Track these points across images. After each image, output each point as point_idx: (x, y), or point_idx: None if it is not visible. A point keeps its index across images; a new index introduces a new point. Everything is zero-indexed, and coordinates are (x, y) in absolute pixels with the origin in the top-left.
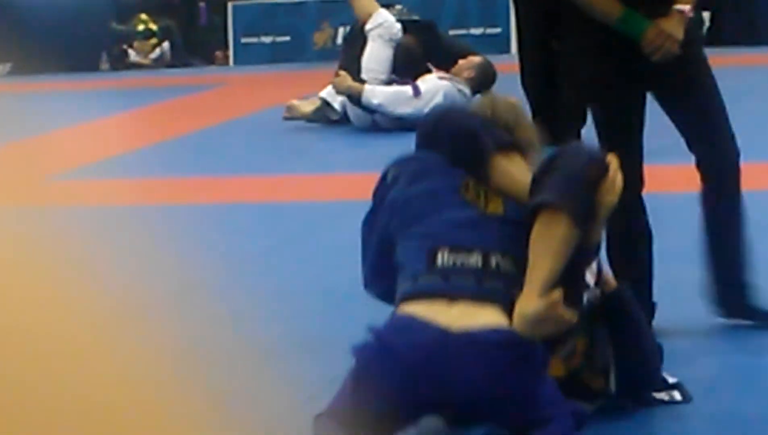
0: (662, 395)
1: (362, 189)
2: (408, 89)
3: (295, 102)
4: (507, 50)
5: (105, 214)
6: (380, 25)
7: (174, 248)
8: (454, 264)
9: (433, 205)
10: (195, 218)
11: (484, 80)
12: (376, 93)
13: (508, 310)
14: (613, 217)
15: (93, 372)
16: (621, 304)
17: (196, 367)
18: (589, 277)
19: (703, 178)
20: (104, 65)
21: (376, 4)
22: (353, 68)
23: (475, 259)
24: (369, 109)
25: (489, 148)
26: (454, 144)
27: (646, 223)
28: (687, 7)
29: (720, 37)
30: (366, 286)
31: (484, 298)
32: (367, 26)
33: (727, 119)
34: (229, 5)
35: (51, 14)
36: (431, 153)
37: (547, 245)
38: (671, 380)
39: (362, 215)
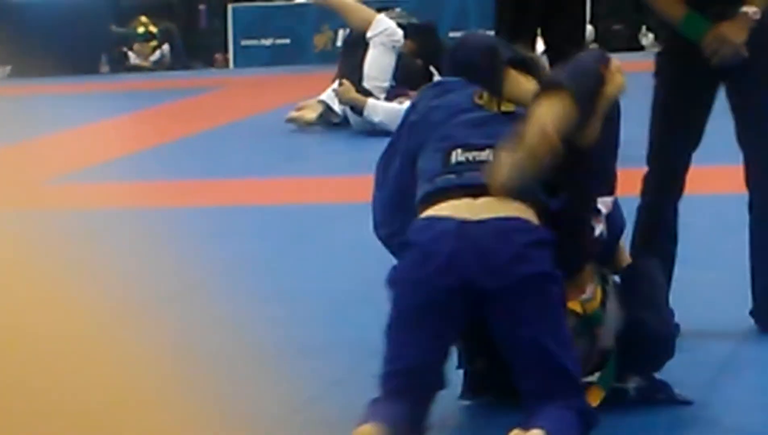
0: (662, 392)
1: (362, 191)
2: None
3: (295, 114)
4: None
5: (104, 217)
6: (382, 32)
7: (173, 251)
8: (467, 160)
9: (449, 112)
10: (195, 221)
11: None
12: (378, 110)
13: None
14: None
15: (91, 372)
16: (647, 269)
17: (195, 368)
18: (602, 207)
19: (747, 181)
20: (104, 68)
21: (371, 11)
22: (355, 76)
23: (486, 154)
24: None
25: (504, 60)
26: (471, 58)
27: (674, 224)
28: (753, 10)
29: None
30: (375, 227)
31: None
32: (369, 33)
33: None
34: (229, 7)
35: (51, 17)
36: (452, 78)
37: (546, 108)
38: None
39: (362, 218)
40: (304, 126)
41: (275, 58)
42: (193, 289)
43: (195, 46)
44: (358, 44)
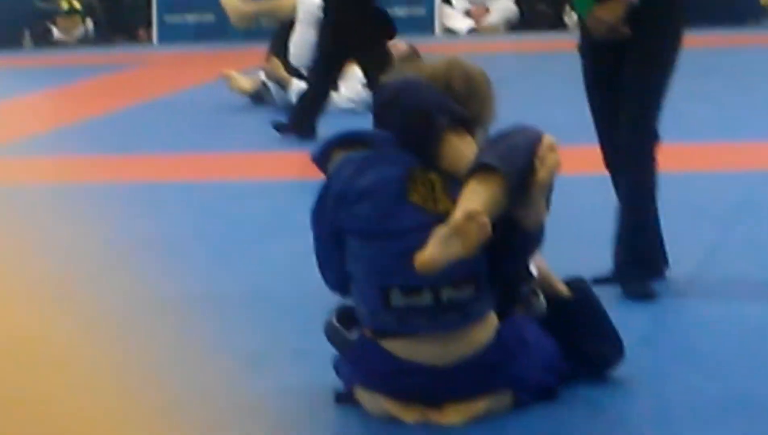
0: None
1: (290, 167)
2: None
3: (234, 73)
4: (431, 32)
5: (28, 192)
6: (302, 9)
7: (97, 227)
8: (406, 305)
9: (381, 218)
10: (118, 197)
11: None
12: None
13: (474, 329)
14: None
15: (8, 350)
16: (587, 291)
17: (120, 344)
18: (534, 269)
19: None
20: (27, 43)
21: None
22: (282, 53)
23: (426, 299)
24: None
25: (441, 127)
26: (405, 122)
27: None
28: None
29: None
30: (322, 276)
31: (445, 330)
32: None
33: (656, 103)
34: None
35: None
36: (381, 132)
37: (476, 194)
38: None
39: (281, 194)
40: (234, 89)
41: (199, 34)
42: (118, 264)
43: (119, 22)
44: (286, 22)
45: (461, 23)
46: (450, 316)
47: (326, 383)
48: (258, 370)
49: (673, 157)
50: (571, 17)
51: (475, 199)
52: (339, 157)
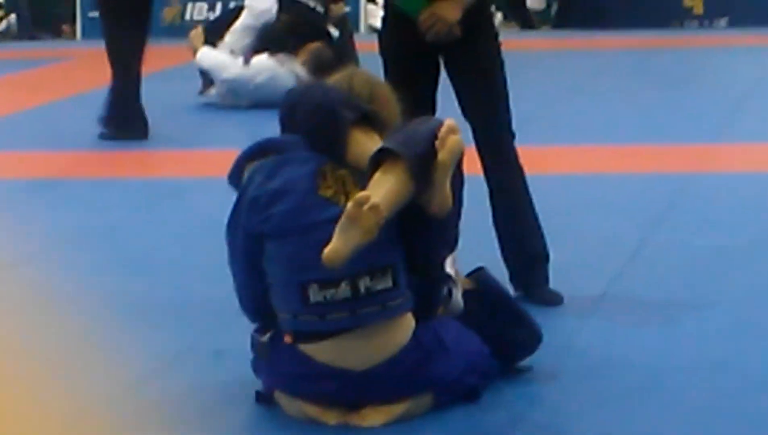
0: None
1: (208, 166)
2: (239, 59)
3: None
4: (356, 28)
5: None
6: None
7: (14, 221)
8: (325, 298)
9: (295, 215)
10: (36, 193)
11: (318, 64)
12: (209, 57)
13: (393, 328)
14: None
15: None
16: (495, 285)
17: (29, 341)
18: (450, 269)
19: (480, 154)
20: None
21: None
22: (215, 33)
23: (343, 291)
24: (200, 71)
25: (346, 122)
26: (311, 121)
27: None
28: None
29: (568, 20)
30: (238, 297)
31: (365, 324)
32: None
33: (505, 102)
34: None
35: None
36: (289, 136)
37: (379, 183)
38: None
39: (208, 192)
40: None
41: None
42: (32, 259)
43: (42, 17)
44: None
45: None
46: (370, 310)
47: (245, 381)
48: (176, 369)
49: (597, 159)
50: (497, 17)
51: (379, 188)
52: (251, 167)
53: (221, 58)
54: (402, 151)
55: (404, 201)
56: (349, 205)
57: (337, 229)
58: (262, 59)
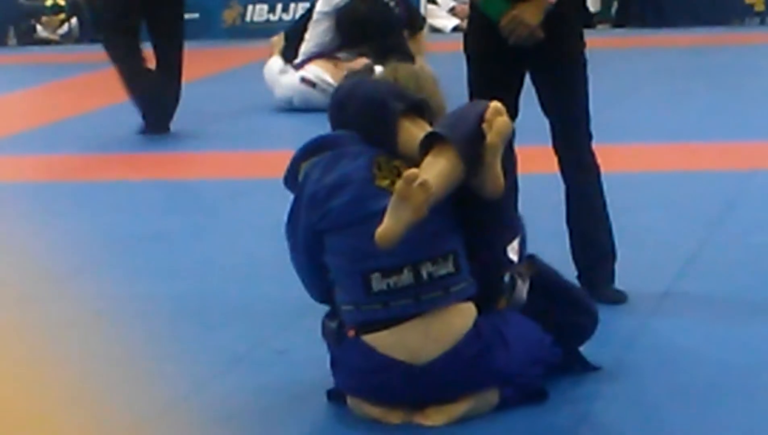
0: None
1: (269, 168)
2: (287, 75)
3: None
4: None
5: (13, 190)
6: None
7: (79, 225)
8: (389, 286)
9: (353, 207)
10: (101, 195)
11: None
12: (268, 71)
13: (455, 314)
14: None
15: None
16: (550, 271)
17: (96, 343)
18: (512, 255)
19: (557, 154)
20: (11, 40)
21: None
22: (294, 38)
23: (406, 277)
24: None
25: (397, 113)
26: (362, 114)
27: None
28: None
29: (628, 18)
30: (306, 289)
31: (429, 310)
32: None
33: (585, 103)
34: None
35: None
36: (342, 132)
37: (430, 165)
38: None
39: (266, 194)
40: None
41: (184, 32)
42: (97, 264)
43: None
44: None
45: (446, 21)
46: (433, 295)
47: (308, 381)
48: (239, 371)
49: (656, 157)
50: None
51: (430, 169)
52: (306, 164)
53: (273, 74)
54: (450, 134)
55: (455, 182)
56: (399, 182)
57: (389, 209)
58: (310, 69)
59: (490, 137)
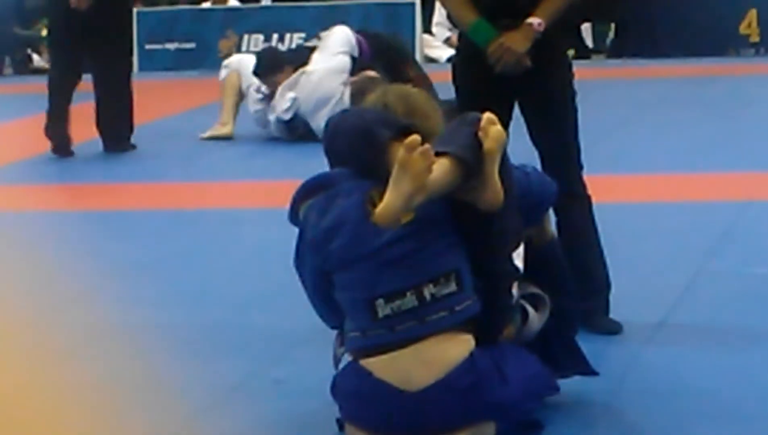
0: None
1: (267, 197)
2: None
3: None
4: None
5: (3, 219)
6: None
7: (72, 254)
8: (393, 311)
9: (353, 247)
10: (96, 225)
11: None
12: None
13: (462, 327)
14: None
15: None
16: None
17: (90, 374)
18: (519, 262)
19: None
20: (7, 70)
21: None
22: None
23: (410, 300)
24: None
25: (384, 140)
26: (350, 146)
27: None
28: (537, 21)
29: (623, 49)
30: (321, 318)
31: (433, 332)
32: None
33: (574, 134)
34: (134, 11)
35: None
36: (337, 170)
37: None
38: None
39: (266, 222)
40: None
41: (179, 62)
42: (92, 293)
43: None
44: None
45: (441, 51)
46: (437, 316)
47: (305, 411)
48: (236, 400)
49: (651, 187)
50: None
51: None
52: (305, 207)
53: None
54: (445, 149)
55: (453, 183)
56: (400, 151)
57: (390, 183)
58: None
59: (488, 144)
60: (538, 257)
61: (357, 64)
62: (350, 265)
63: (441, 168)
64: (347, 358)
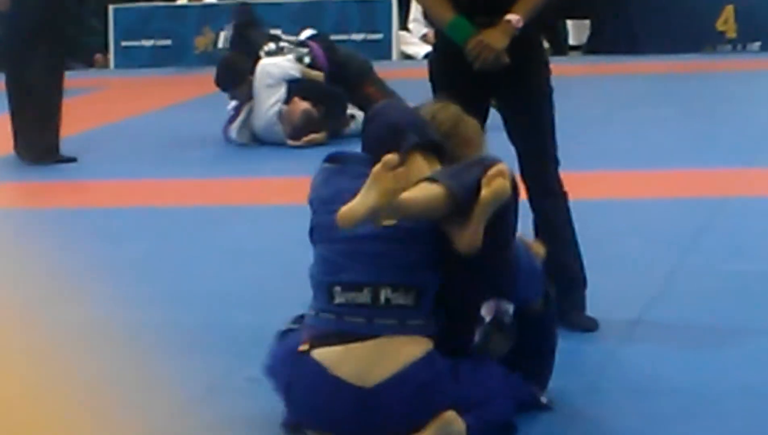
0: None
1: (242, 194)
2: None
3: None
4: (389, 57)
5: None
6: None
7: (49, 253)
8: (346, 301)
9: (334, 226)
10: (71, 223)
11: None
12: None
13: (407, 344)
14: None
15: None
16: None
17: (67, 374)
18: (484, 312)
19: (524, 181)
20: None
21: None
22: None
23: (364, 297)
24: None
25: (410, 143)
26: (377, 135)
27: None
28: (515, 17)
29: (600, 45)
30: None
31: (379, 335)
32: None
33: (551, 131)
34: (110, 8)
35: None
36: (357, 153)
37: (418, 188)
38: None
39: (241, 220)
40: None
41: (156, 59)
42: (69, 292)
43: (75, 46)
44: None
45: (418, 48)
46: (386, 322)
47: (280, 409)
48: (212, 399)
49: (628, 184)
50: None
51: (414, 190)
52: (319, 169)
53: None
54: (443, 180)
55: (434, 211)
56: (377, 165)
57: (362, 190)
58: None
59: (485, 192)
60: (530, 321)
61: (312, 67)
62: (326, 243)
63: (426, 193)
64: (301, 348)
